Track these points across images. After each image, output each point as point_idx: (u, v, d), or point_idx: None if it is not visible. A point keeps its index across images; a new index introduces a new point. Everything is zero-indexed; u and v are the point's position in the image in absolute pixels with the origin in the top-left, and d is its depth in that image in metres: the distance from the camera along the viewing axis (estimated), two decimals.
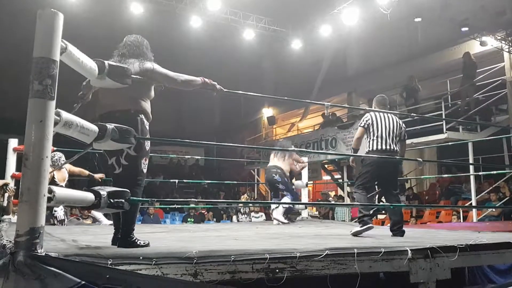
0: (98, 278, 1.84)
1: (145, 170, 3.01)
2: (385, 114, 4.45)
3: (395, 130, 4.39)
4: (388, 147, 4.32)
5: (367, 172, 4.37)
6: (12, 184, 5.47)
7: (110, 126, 2.48)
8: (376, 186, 4.66)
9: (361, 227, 4.20)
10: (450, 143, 8.21)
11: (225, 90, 3.28)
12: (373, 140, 4.37)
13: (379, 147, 4.33)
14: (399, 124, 4.48)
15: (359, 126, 4.52)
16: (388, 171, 4.35)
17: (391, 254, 2.75)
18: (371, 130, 4.40)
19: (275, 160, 6.92)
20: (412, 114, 9.00)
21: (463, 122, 9.60)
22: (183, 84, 3.13)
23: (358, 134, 4.50)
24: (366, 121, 4.43)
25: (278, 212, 6.57)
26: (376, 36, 12.90)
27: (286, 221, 6.61)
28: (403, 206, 10.37)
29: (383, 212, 9.42)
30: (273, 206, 6.81)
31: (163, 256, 2.26)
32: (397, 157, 4.47)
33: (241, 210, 11.45)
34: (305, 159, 7.38)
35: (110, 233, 3.19)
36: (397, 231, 4.25)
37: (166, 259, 2.24)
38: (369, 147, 4.41)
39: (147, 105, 3.05)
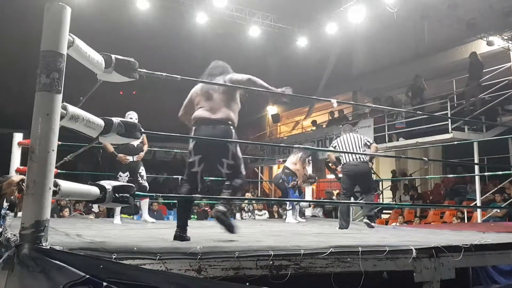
0: (102, 272, 1.84)
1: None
2: (348, 135, 5.88)
3: (357, 145, 5.76)
4: (353, 160, 5.67)
5: (346, 179, 5.77)
6: None
7: (116, 120, 2.47)
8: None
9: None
10: (455, 143, 8.16)
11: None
12: (342, 156, 5.86)
13: (347, 161, 5.75)
14: (360, 139, 5.85)
15: (331, 146, 6.14)
16: (359, 178, 5.70)
17: (395, 253, 2.74)
18: (339, 150, 5.91)
19: (287, 160, 7.42)
20: (418, 112, 8.94)
21: (468, 122, 9.53)
22: (248, 82, 3.43)
23: (331, 154, 6.41)
24: (335, 146, 5.96)
25: (289, 216, 6.95)
26: (382, 35, 12.83)
27: (298, 220, 6.91)
28: (408, 206, 10.35)
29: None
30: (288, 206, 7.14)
31: (167, 252, 2.26)
32: (369, 164, 6.02)
33: (245, 208, 11.42)
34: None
35: (114, 228, 3.19)
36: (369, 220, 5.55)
37: (170, 254, 2.25)
38: (343, 162, 5.85)
39: (236, 116, 3.54)
